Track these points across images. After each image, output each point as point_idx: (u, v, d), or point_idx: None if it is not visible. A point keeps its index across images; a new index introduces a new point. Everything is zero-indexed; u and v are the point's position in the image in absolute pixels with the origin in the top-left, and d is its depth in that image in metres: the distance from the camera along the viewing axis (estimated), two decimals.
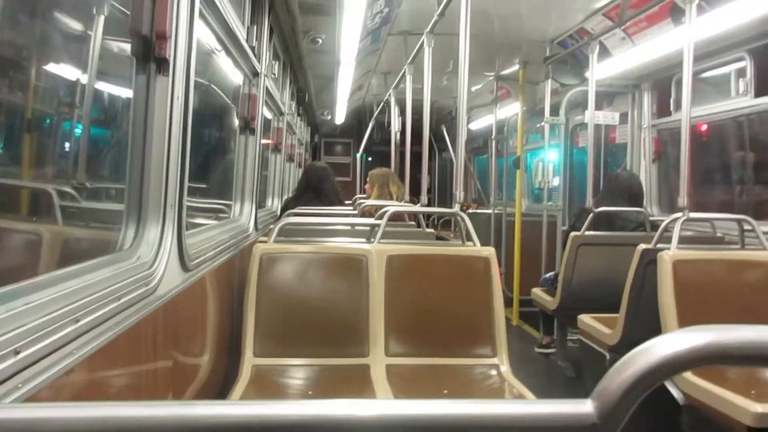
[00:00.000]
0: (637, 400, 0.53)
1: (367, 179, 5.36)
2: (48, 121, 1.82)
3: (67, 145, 1.89)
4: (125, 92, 1.84)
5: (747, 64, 4.17)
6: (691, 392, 2.52)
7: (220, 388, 2.59)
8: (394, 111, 6.69)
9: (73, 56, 1.81)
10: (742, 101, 4.25)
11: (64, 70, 1.83)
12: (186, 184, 1.96)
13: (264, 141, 4.67)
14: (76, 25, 1.82)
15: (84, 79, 1.81)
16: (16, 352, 0.97)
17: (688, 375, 2.53)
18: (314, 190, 4.59)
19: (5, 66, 1.50)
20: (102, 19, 1.81)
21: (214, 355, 2.53)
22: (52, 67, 1.78)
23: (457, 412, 0.55)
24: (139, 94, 1.78)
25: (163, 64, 1.77)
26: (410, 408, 0.56)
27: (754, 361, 0.53)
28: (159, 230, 1.78)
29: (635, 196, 4.36)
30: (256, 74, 3.76)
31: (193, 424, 0.53)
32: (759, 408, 2.18)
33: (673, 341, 0.53)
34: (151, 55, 1.74)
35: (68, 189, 1.80)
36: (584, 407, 0.54)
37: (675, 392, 2.61)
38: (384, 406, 0.56)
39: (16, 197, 1.62)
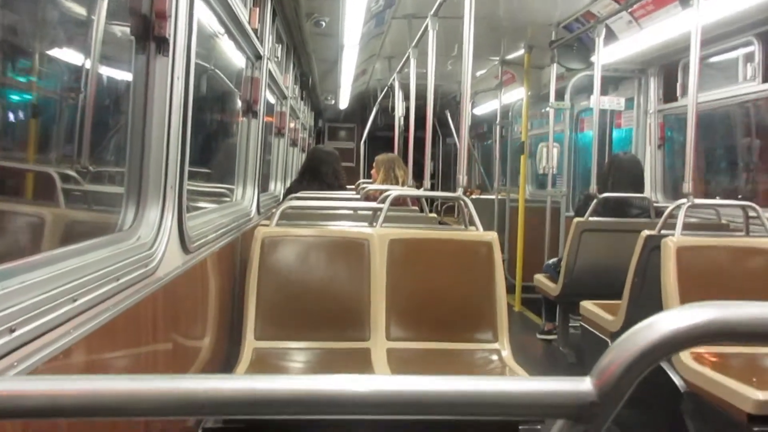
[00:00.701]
0: (638, 378, 0.52)
1: (373, 164, 5.35)
2: (51, 104, 1.81)
3: (70, 128, 1.88)
4: (129, 76, 1.83)
5: (755, 48, 4.11)
6: (692, 379, 2.52)
7: (221, 370, 2.60)
8: (398, 96, 6.66)
9: (76, 40, 1.80)
10: (749, 86, 4.20)
11: (68, 54, 1.82)
12: (186, 165, 1.94)
13: (267, 120, 4.65)
14: (79, 9, 1.81)
15: (88, 63, 1.80)
16: (12, 330, 0.97)
17: (689, 362, 2.52)
18: (314, 173, 4.57)
19: (9, 49, 1.49)
20: (105, 2, 1.79)
21: (215, 337, 2.53)
22: (55, 51, 1.77)
23: (455, 389, 0.54)
24: (138, 74, 1.76)
25: (162, 44, 1.75)
26: (407, 384, 0.55)
27: (758, 338, 0.52)
28: (159, 212, 1.77)
29: (638, 181, 4.33)
30: (258, 57, 3.73)
31: (187, 397, 0.53)
32: (760, 395, 2.17)
33: (675, 317, 0.52)
34: (150, 34, 1.72)
35: (71, 172, 1.79)
36: (583, 385, 0.53)
37: (676, 379, 2.60)
38: (382, 382, 0.55)
39: (19, 180, 1.62)
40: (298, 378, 0.54)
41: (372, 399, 0.53)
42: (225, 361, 2.70)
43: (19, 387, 0.52)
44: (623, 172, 4.32)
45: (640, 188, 4.33)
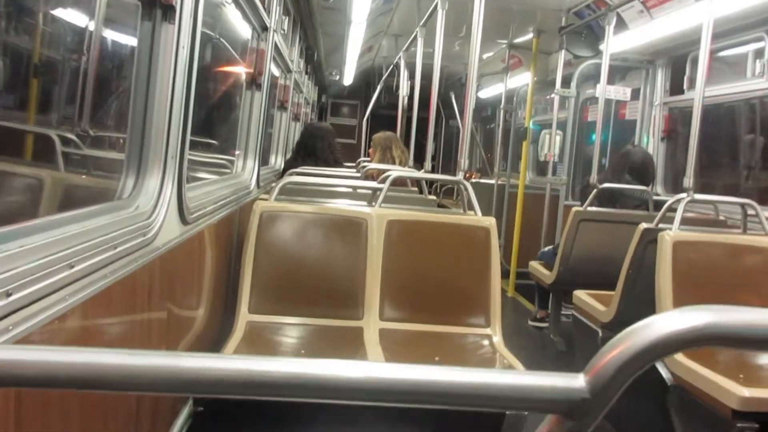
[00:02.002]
0: (631, 378, 0.52)
1: (371, 143, 5.32)
2: (54, 65, 1.79)
3: (72, 91, 1.87)
4: (134, 40, 1.81)
5: (765, 45, 4.08)
6: (679, 373, 2.54)
7: (214, 342, 2.61)
8: (404, 75, 6.60)
9: (81, 1, 1.77)
10: (757, 83, 4.17)
11: (71, 15, 1.80)
12: (188, 136, 1.93)
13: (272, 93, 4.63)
14: None
15: (92, 25, 1.78)
16: (8, 294, 0.97)
17: (679, 356, 2.54)
18: (308, 149, 4.55)
19: (14, 10, 1.48)
20: None
21: (210, 309, 2.55)
22: (60, 12, 1.74)
23: (448, 380, 0.55)
24: (143, 41, 1.74)
25: (169, 11, 1.73)
26: (401, 372, 0.55)
27: (753, 344, 0.52)
28: (159, 181, 1.77)
29: (641, 173, 4.31)
30: (265, 29, 3.69)
31: (179, 375, 0.53)
32: (746, 392, 2.20)
33: (672, 320, 0.52)
34: (156, 1, 1.70)
35: (71, 136, 1.78)
36: (576, 381, 0.53)
37: (664, 372, 2.63)
38: (376, 369, 0.56)
39: (19, 140, 1.61)
40: (292, 361, 0.54)
41: (365, 386, 0.54)
42: (218, 333, 2.71)
43: (13, 356, 0.52)
44: (639, 166, 4.30)
45: (645, 183, 4.31)
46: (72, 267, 1.19)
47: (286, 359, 0.55)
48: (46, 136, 1.70)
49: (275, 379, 0.53)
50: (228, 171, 3.67)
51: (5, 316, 0.96)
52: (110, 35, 1.97)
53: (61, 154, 1.73)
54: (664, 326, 0.52)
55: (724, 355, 2.61)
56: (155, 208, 1.73)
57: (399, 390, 0.54)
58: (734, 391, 2.22)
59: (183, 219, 1.95)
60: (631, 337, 0.52)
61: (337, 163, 4.66)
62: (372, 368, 0.55)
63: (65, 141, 1.75)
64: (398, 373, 0.55)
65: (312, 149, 4.54)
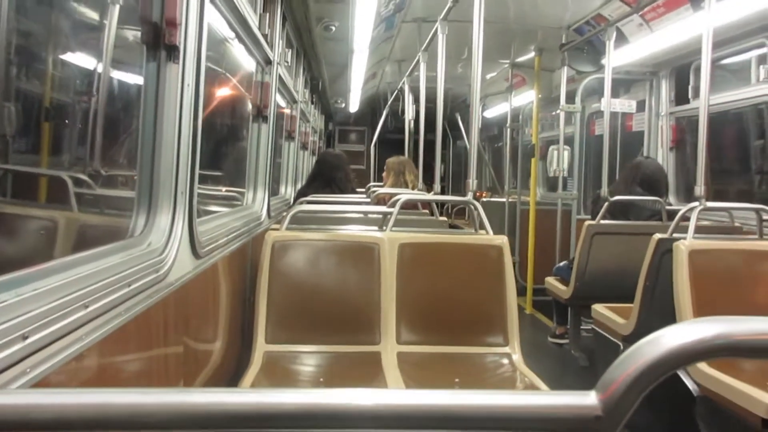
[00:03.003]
0: (644, 393, 0.52)
1: (384, 167, 5.35)
2: (64, 109, 1.83)
3: (83, 132, 1.90)
4: (140, 80, 1.85)
5: None
6: (705, 383, 2.50)
7: (231, 374, 2.61)
8: (408, 99, 6.66)
9: (88, 45, 1.82)
10: (763, 88, 4.16)
11: (80, 58, 1.84)
12: (197, 171, 1.96)
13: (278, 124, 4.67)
14: (91, 14, 1.83)
15: (100, 68, 1.82)
16: (24, 337, 0.98)
17: (703, 366, 2.50)
18: (325, 178, 4.56)
19: (24, 55, 1.51)
20: (117, 8, 1.81)
21: (226, 341, 2.54)
22: (68, 56, 1.79)
23: (460, 403, 0.54)
24: (149, 81, 1.77)
25: (173, 51, 1.76)
26: (413, 398, 0.55)
27: (763, 353, 0.51)
28: (170, 217, 1.78)
29: (652, 184, 4.29)
30: (269, 62, 3.75)
31: (191, 411, 0.53)
32: None
33: (681, 332, 0.52)
34: (161, 42, 1.73)
35: (83, 176, 1.81)
36: (588, 399, 0.53)
37: (689, 383, 2.58)
38: (388, 396, 0.55)
39: (32, 184, 1.64)
40: (305, 391, 0.54)
41: (378, 413, 0.54)
42: (236, 365, 2.71)
43: (27, 400, 0.53)
44: (650, 178, 4.28)
45: (657, 194, 4.28)
46: (87, 307, 1.20)
47: (299, 390, 0.55)
48: (58, 178, 1.73)
49: (289, 410, 0.53)
50: (238, 203, 3.70)
51: (22, 359, 0.97)
52: (117, 76, 2.01)
53: (74, 195, 1.75)
54: (673, 340, 0.51)
55: (750, 364, 2.57)
56: (167, 244, 1.75)
57: (412, 416, 0.54)
58: (763, 399, 2.18)
59: (195, 253, 1.96)
60: (641, 352, 0.52)
61: (354, 192, 4.67)
62: (385, 395, 0.55)
63: (77, 182, 1.77)
64: (410, 399, 0.55)
65: (331, 179, 4.54)
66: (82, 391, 0.54)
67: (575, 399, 0.53)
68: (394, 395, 0.55)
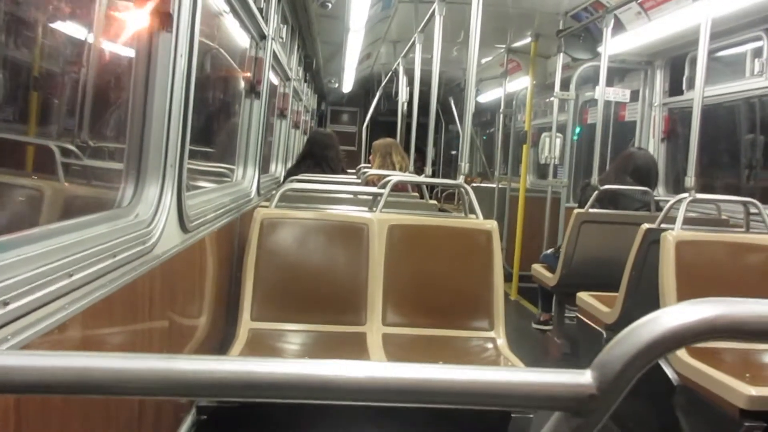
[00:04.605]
0: (639, 373, 0.51)
1: (371, 149, 5.32)
2: (53, 77, 1.79)
3: (71, 102, 1.87)
4: (131, 50, 1.81)
5: (764, 43, 4.08)
6: (685, 373, 2.52)
7: (216, 350, 2.60)
8: (402, 81, 6.61)
9: (78, 13, 1.77)
10: (756, 82, 4.17)
11: (70, 27, 1.80)
12: (187, 144, 1.93)
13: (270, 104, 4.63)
14: None
15: (90, 37, 1.78)
16: (5, 304, 0.96)
17: (684, 355, 2.53)
18: (316, 157, 4.53)
19: (11, 22, 1.48)
20: None
21: (212, 317, 2.54)
22: (58, 24, 1.74)
23: (454, 378, 0.54)
24: (141, 50, 1.74)
25: (166, 20, 1.73)
26: (405, 371, 0.54)
27: (763, 336, 0.51)
28: (158, 189, 1.76)
29: (643, 176, 4.29)
30: (263, 37, 3.70)
31: (178, 378, 0.52)
32: (753, 391, 2.18)
33: (680, 312, 0.51)
34: (154, 9, 1.70)
35: (71, 146, 1.78)
36: (583, 378, 0.52)
37: (669, 372, 2.61)
38: (379, 368, 0.55)
39: (19, 152, 1.61)
40: (293, 362, 0.54)
41: (368, 385, 0.53)
42: (221, 341, 2.70)
43: (11, 362, 0.51)
44: (642, 169, 4.27)
45: (647, 185, 4.28)
46: (71, 276, 1.18)
47: (288, 360, 0.54)
48: (46, 147, 1.70)
49: (277, 380, 0.52)
50: (228, 179, 3.67)
51: (3, 326, 0.96)
52: (108, 45, 1.97)
53: (61, 165, 1.73)
54: (672, 319, 0.51)
55: (730, 355, 2.60)
56: (155, 216, 1.73)
57: (404, 389, 0.53)
58: (741, 390, 2.21)
59: (183, 227, 1.94)
60: (638, 331, 0.51)
61: (344, 172, 4.64)
62: (376, 368, 0.55)
63: (65, 152, 1.74)
64: (403, 372, 0.54)
65: (322, 158, 4.51)
66: (64, 354, 0.53)
67: (570, 377, 0.52)
68: (388, 368, 0.54)
